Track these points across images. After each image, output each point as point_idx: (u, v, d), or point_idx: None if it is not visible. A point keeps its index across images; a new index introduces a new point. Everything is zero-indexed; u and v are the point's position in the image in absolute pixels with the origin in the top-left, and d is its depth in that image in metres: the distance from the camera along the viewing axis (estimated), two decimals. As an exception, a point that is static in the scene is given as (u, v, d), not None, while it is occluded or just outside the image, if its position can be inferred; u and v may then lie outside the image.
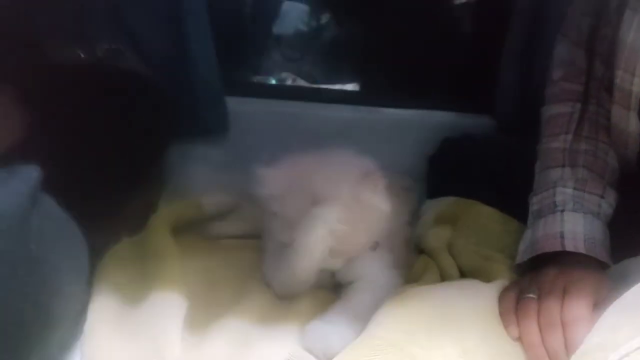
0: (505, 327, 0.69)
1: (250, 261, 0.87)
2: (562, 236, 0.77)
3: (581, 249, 0.75)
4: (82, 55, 1.06)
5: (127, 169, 0.95)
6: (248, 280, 0.82)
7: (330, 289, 0.81)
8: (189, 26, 1.11)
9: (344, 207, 0.74)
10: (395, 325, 0.66)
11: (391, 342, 0.64)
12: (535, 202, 0.84)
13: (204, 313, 0.71)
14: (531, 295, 0.71)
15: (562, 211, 0.79)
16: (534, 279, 0.74)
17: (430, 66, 1.32)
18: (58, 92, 0.92)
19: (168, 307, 0.68)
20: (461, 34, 1.40)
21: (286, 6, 1.54)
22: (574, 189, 0.81)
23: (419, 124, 1.19)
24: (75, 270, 0.68)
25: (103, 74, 1.04)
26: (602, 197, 0.81)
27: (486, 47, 1.21)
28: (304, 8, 1.55)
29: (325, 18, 1.51)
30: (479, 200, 0.96)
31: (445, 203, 0.99)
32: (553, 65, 0.90)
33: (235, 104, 1.19)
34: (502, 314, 0.71)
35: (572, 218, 0.78)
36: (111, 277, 0.73)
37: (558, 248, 0.76)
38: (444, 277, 0.83)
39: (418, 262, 0.88)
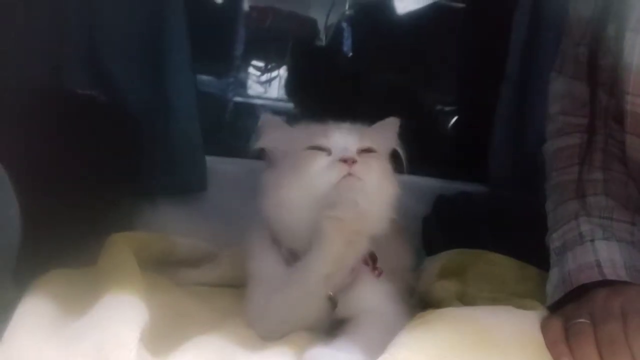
0: (556, 358, 0.53)
1: (227, 304, 0.69)
2: (598, 265, 0.63)
3: (623, 277, 0.61)
4: (56, 98, 0.94)
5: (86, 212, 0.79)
6: (225, 318, 0.63)
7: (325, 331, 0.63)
8: (172, 80, 1.03)
9: None
10: (419, 348, 0.49)
11: (416, 365, 0.46)
12: (556, 239, 0.71)
13: (170, 334, 0.51)
14: (583, 320, 0.55)
15: (592, 241, 0.66)
16: (581, 304, 0.59)
17: (423, 134, 1.26)
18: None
19: (123, 310, 0.48)
20: (452, 101, 1.36)
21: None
22: (600, 217, 0.69)
23: (410, 191, 1.08)
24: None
25: (75, 115, 0.92)
26: (633, 224, 0.68)
27: (477, 115, 1.16)
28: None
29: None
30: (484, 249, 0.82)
31: (448, 255, 0.85)
32: (549, 102, 0.82)
33: (215, 163, 1.08)
34: (551, 345, 0.54)
35: (606, 246, 0.65)
36: (50, 283, 0.54)
37: (597, 278, 0.62)
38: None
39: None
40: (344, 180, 0.61)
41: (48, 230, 0.66)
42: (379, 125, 0.72)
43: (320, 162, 0.62)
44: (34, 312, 0.50)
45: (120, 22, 1.00)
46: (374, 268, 0.68)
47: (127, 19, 1.01)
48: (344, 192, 0.61)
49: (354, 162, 0.61)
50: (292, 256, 0.66)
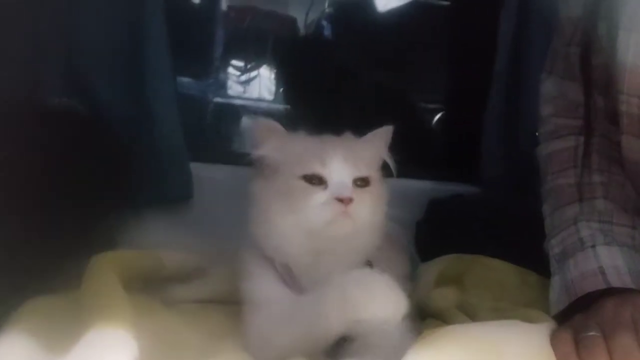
0: (569, 374, 0.50)
1: (220, 324, 0.66)
2: (602, 272, 0.62)
3: (629, 283, 0.60)
4: (28, 108, 0.89)
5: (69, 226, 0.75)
6: (219, 340, 0.60)
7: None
8: (152, 87, 0.99)
9: None
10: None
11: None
12: (555, 245, 0.69)
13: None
14: (593, 333, 0.53)
15: (593, 246, 0.65)
16: (589, 315, 0.57)
17: (412, 136, 1.22)
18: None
19: (110, 346, 0.45)
20: (442, 102, 1.33)
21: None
22: (600, 222, 0.67)
23: (402, 194, 1.06)
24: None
25: (53, 125, 0.87)
26: (633, 227, 0.67)
27: (468, 116, 1.14)
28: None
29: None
30: (481, 254, 0.80)
31: (444, 262, 0.82)
32: (541, 103, 0.80)
33: (200, 170, 1.04)
34: (562, 359, 0.52)
35: (608, 252, 0.64)
36: (29, 315, 0.50)
37: (601, 285, 0.60)
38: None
39: (427, 327, 0.68)
40: (339, 220, 0.60)
41: (25, 253, 0.62)
42: (372, 135, 0.70)
43: (317, 197, 0.61)
44: (13, 350, 0.46)
45: (98, 31, 0.96)
46: None
47: (106, 26, 0.97)
48: (338, 231, 0.61)
49: (350, 201, 0.60)
50: (286, 270, 0.64)
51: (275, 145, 0.65)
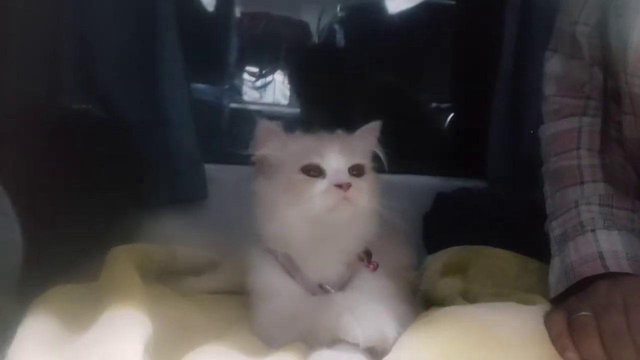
0: (561, 352, 0.53)
1: (231, 312, 0.69)
2: (601, 257, 0.63)
3: (627, 268, 0.61)
4: (52, 114, 0.94)
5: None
6: (230, 326, 0.63)
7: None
8: (167, 91, 1.03)
9: None
10: (423, 348, 0.49)
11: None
12: (556, 227, 0.71)
13: (175, 345, 0.51)
14: (585, 313, 0.54)
15: (593, 230, 0.66)
16: (582, 297, 0.58)
17: (419, 133, 1.26)
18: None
19: (126, 324, 0.48)
20: (448, 99, 1.35)
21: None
22: (600, 205, 0.68)
23: (410, 190, 1.07)
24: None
25: (74, 129, 0.91)
26: (633, 211, 0.68)
27: (474, 111, 1.15)
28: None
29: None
30: (486, 244, 0.82)
31: (450, 253, 0.84)
32: (544, 82, 0.80)
33: (214, 171, 1.07)
34: (555, 338, 0.54)
35: (607, 236, 0.65)
36: (52, 300, 0.53)
37: (600, 270, 0.62)
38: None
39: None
40: (340, 206, 0.63)
41: (49, 247, 0.66)
42: (363, 129, 0.73)
43: (317, 187, 0.64)
44: (37, 329, 0.50)
45: (113, 36, 1.00)
46: (369, 262, 0.69)
47: (121, 31, 1.01)
48: (339, 217, 0.64)
49: (349, 186, 0.63)
50: (288, 261, 0.68)
51: (276, 145, 0.68)
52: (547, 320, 0.56)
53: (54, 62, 0.96)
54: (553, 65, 0.79)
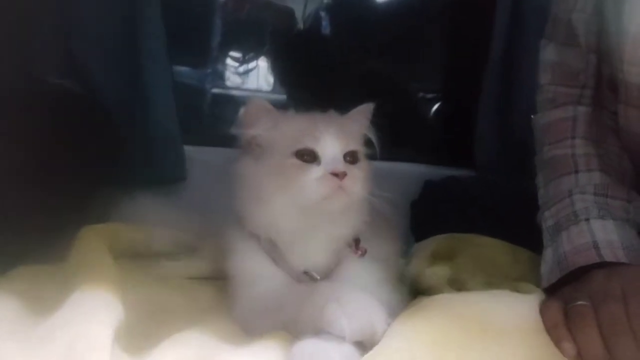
0: (557, 343, 0.50)
1: (209, 298, 0.65)
2: (595, 246, 0.60)
3: (622, 258, 0.59)
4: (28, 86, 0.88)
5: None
6: (208, 312, 0.59)
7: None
8: (148, 69, 0.98)
9: None
10: (414, 336, 0.46)
11: (413, 354, 0.43)
12: (548, 217, 0.68)
13: (149, 331, 0.47)
14: (583, 302, 0.52)
15: (587, 220, 0.63)
16: (578, 287, 0.56)
17: (408, 121, 1.23)
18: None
19: (95, 306, 0.44)
20: (437, 87, 1.33)
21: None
22: (595, 194, 0.66)
23: (398, 177, 1.05)
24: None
25: (48, 103, 0.86)
26: (628, 201, 0.66)
27: (463, 100, 1.13)
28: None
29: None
30: (475, 232, 0.79)
31: (438, 240, 0.81)
32: (539, 71, 0.78)
33: (194, 153, 1.03)
34: (550, 328, 0.51)
35: (602, 226, 0.62)
36: (16, 280, 0.49)
37: (594, 260, 0.59)
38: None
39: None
40: (334, 195, 0.60)
41: (16, 224, 0.62)
42: (355, 111, 0.69)
43: (311, 173, 0.60)
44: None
45: (95, 15, 0.96)
46: (357, 248, 0.66)
47: (102, 7, 0.96)
48: (333, 206, 0.60)
49: (344, 175, 0.60)
50: (272, 246, 0.64)
51: (267, 124, 0.64)
52: (543, 309, 0.54)
53: (32, 34, 0.90)
54: (548, 53, 0.77)
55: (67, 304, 0.45)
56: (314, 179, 0.60)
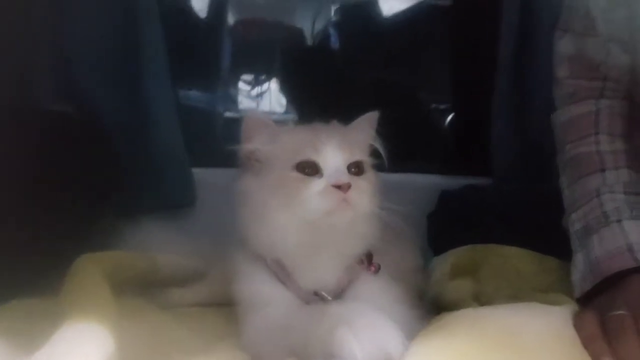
0: (595, 358, 0.45)
1: (218, 325, 0.61)
2: (630, 249, 0.56)
3: None
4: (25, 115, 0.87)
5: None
6: (216, 341, 0.55)
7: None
8: (150, 91, 0.96)
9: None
10: (438, 355, 0.41)
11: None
12: (576, 220, 0.64)
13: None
14: (621, 312, 0.47)
15: (619, 221, 0.59)
16: (615, 294, 0.51)
17: (422, 132, 1.21)
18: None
19: (83, 339, 0.40)
20: (449, 97, 1.29)
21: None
22: (625, 193, 0.61)
23: (413, 189, 1.01)
24: None
25: (47, 129, 0.84)
26: None
27: (476, 108, 1.10)
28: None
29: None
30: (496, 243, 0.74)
31: (458, 253, 0.77)
32: (555, 64, 0.74)
33: (205, 175, 1.01)
34: (587, 342, 0.46)
35: (635, 227, 0.58)
36: (8, 316, 0.46)
37: (630, 264, 0.55)
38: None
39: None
40: (338, 209, 0.56)
41: (10, 257, 0.59)
42: (359, 121, 0.66)
43: (313, 187, 0.57)
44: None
45: (93, 35, 0.94)
46: (370, 264, 0.61)
47: (101, 30, 0.94)
48: (338, 220, 0.57)
49: (348, 187, 0.56)
50: (279, 267, 0.61)
51: (266, 138, 0.61)
52: (577, 321, 0.49)
53: (30, 59, 0.89)
54: (564, 45, 0.72)
55: (55, 336, 0.42)
56: (316, 193, 0.56)
